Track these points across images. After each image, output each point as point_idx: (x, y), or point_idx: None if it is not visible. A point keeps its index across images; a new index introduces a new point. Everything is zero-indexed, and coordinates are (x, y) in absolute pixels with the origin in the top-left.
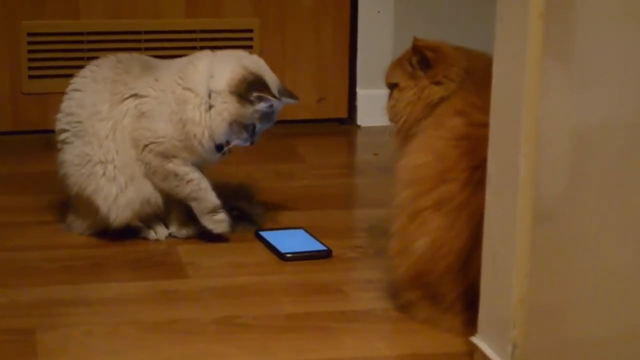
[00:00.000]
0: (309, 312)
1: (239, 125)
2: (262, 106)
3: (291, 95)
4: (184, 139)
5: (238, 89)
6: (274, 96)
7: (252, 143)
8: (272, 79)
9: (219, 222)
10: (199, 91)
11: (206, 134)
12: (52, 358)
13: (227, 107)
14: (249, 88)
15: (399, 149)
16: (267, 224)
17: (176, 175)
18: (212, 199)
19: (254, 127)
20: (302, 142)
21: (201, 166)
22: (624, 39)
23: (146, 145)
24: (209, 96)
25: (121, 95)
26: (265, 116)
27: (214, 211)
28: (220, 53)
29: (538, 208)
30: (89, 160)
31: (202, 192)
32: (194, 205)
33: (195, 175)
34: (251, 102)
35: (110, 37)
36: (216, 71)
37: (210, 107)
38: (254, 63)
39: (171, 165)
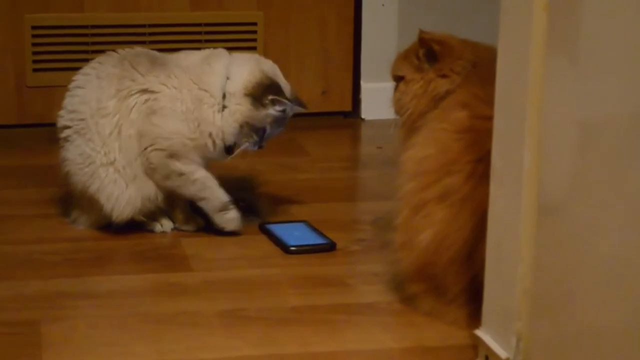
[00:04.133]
0: (313, 305)
1: (250, 127)
2: (275, 110)
3: (301, 102)
4: (196, 137)
5: (253, 91)
6: (288, 100)
7: (260, 147)
8: (285, 85)
9: (229, 220)
10: (214, 92)
11: (219, 134)
12: (57, 350)
13: (239, 109)
14: (264, 91)
15: (403, 142)
16: (271, 217)
17: (181, 174)
18: (221, 196)
19: (264, 131)
20: (306, 135)
21: (206, 164)
22: (629, 31)
23: (151, 144)
24: (224, 97)
25: (129, 90)
26: (277, 121)
27: (224, 209)
28: (237, 55)
29: (542, 200)
30: (91, 162)
31: (208, 190)
32: (202, 204)
33: (200, 174)
34: (264, 106)
35: (115, 30)
36: (233, 73)
37: (224, 108)
38: (270, 67)
39: (178, 164)
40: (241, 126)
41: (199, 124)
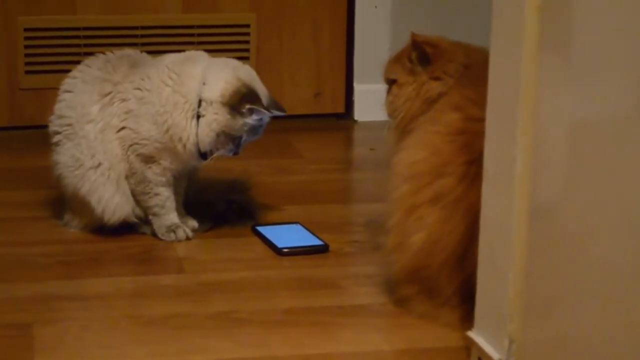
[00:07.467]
0: (306, 307)
1: (227, 136)
2: (252, 119)
3: (279, 107)
4: (166, 141)
5: (231, 100)
6: (265, 109)
7: (235, 154)
8: (262, 91)
9: (167, 234)
10: (190, 97)
11: (191, 139)
12: (49, 353)
13: (217, 118)
14: (241, 100)
15: (396, 144)
16: (264, 219)
17: (149, 182)
18: (171, 219)
19: (240, 138)
20: (299, 137)
21: (183, 173)
22: (621, 32)
23: (130, 146)
24: (199, 104)
25: (110, 97)
26: (254, 129)
27: (169, 231)
28: (215, 60)
29: (534, 202)
30: (80, 164)
31: (163, 210)
32: (152, 219)
33: (163, 191)
34: (242, 114)
35: (107, 32)
36: (209, 79)
37: (199, 115)
38: (247, 74)
39: (149, 172)
40: (218, 135)
41: (168, 128)
